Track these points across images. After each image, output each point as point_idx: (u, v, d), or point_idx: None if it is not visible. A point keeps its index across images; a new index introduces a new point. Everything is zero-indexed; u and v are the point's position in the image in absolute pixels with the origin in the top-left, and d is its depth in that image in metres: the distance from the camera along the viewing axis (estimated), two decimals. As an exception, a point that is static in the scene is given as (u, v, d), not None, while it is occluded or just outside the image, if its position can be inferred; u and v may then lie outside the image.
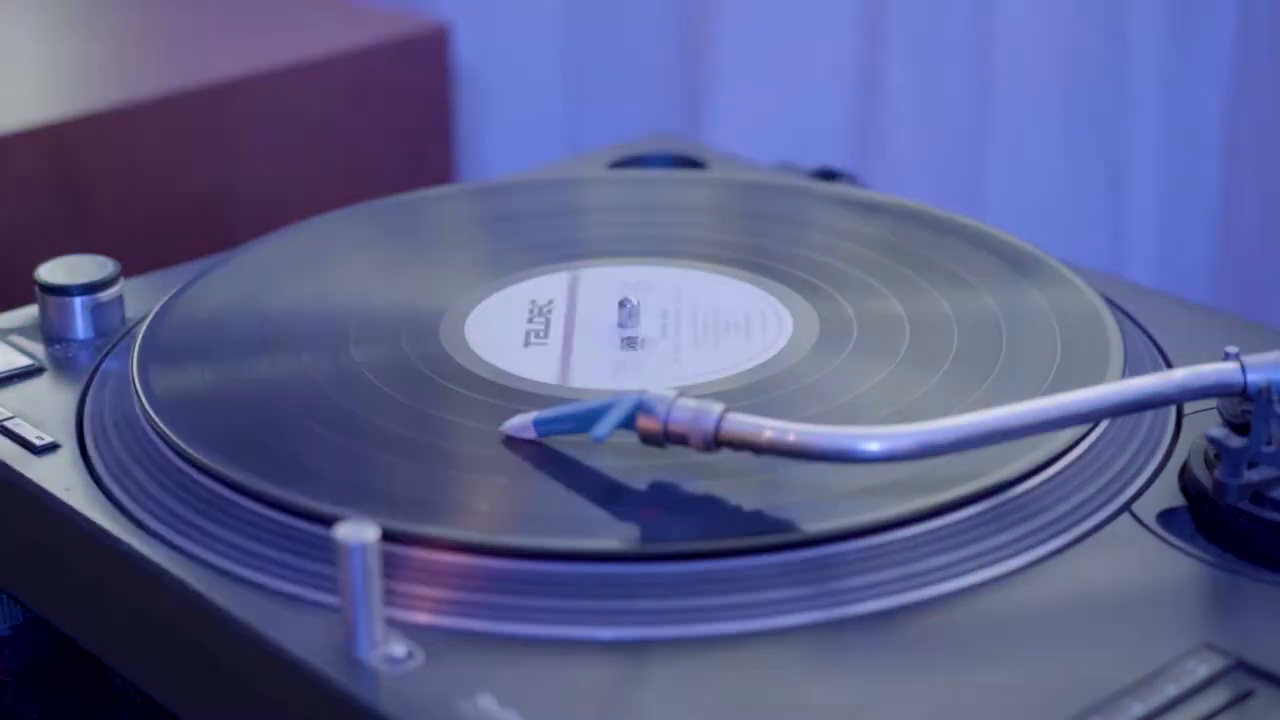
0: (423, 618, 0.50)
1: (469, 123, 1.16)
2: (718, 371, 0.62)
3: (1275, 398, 0.53)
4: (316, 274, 0.71)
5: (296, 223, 0.75)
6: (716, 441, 0.53)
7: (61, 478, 0.58)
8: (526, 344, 0.64)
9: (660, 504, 0.54)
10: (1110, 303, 0.66)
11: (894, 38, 1.00)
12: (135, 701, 0.60)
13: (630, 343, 0.64)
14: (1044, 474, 0.55)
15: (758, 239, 0.74)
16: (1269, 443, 0.53)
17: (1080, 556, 0.53)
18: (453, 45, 1.03)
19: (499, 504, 0.55)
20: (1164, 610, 0.51)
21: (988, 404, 0.54)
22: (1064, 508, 0.55)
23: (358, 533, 0.47)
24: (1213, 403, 0.59)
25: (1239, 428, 0.55)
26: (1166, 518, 0.55)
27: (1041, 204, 0.98)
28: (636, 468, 0.55)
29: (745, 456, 0.54)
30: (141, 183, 0.90)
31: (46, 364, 0.65)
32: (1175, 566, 0.53)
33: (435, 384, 0.61)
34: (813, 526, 0.52)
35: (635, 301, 0.66)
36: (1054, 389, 0.59)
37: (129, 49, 1.00)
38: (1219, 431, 0.53)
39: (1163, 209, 0.95)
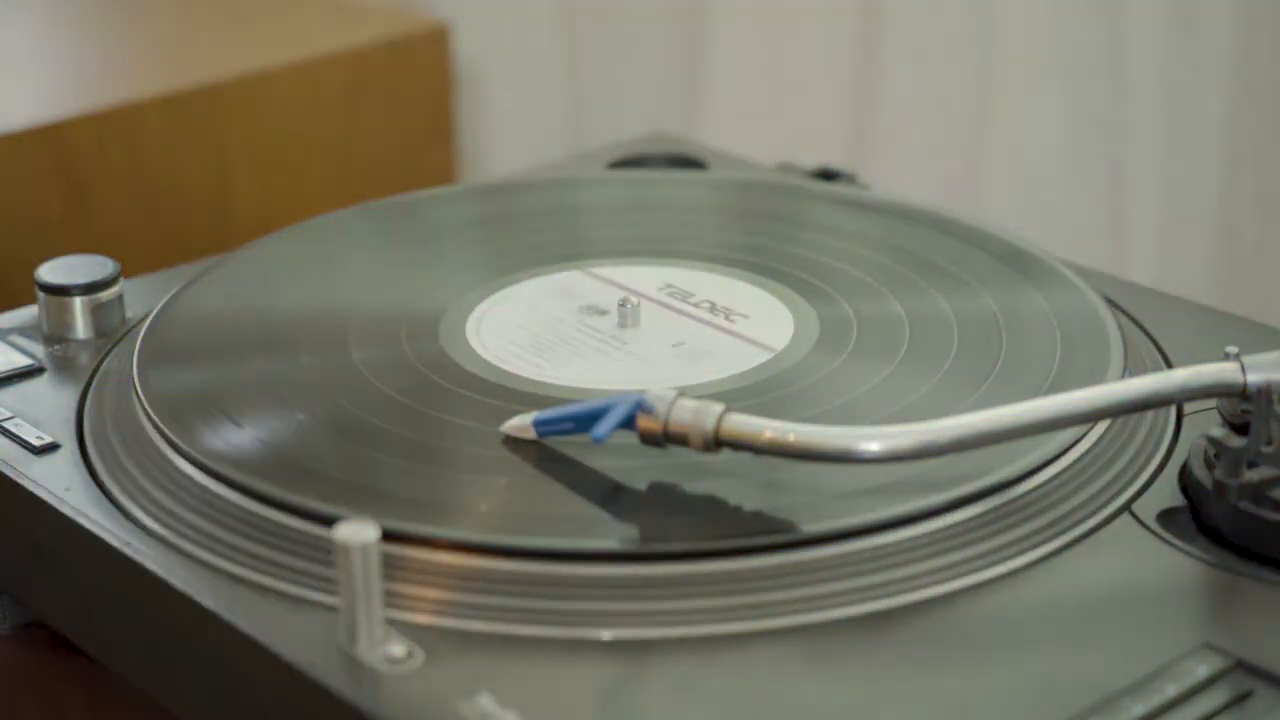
0: (423, 618, 0.50)
1: (469, 123, 1.16)
2: (718, 371, 0.62)
3: (1275, 398, 0.53)
4: (316, 274, 0.71)
5: (296, 223, 0.75)
6: (716, 441, 0.53)
7: (61, 478, 0.58)
8: (526, 344, 0.64)
9: (660, 504, 0.54)
10: (1110, 303, 0.66)
11: (893, 37, 1.00)
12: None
13: (629, 343, 0.64)
14: (1044, 474, 0.55)
15: (758, 239, 0.74)
16: (1269, 443, 0.53)
17: (1080, 556, 0.53)
18: (453, 45, 1.03)
19: (499, 504, 0.55)
20: (1164, 610, 0.51)
21: (988, 404, 0.54)
22: (1064, 508, 0.55)
23: (358, 533, 0.47)
24: (1213, 403, 0.59)
25: (1239, 428, 0.55)
26: (1166, 518, 0.55)
27: (1041, 204, 0.98)
28: (636, 468, 0.55)
29: (745, 456, 0.54)
30: (141, 183, 0.90)
31: (46, 364, 0.65)
32: (1175, 566, 0.53)
33: (435, 384, 0.61)
34: (813, 526, 0.52)
35: (635, 301, 0.66)
36: (1054, 389, 0.59)
37: (129, 49, 1.00)
38: (1219, 431, 0.53)
39: (1163, 208, 0.95)
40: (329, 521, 0.51)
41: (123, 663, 0.57)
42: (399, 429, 0.59)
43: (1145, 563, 0.53)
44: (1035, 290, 0.67)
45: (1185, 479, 0.56)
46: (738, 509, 0.53)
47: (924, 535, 0.53)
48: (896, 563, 0.52)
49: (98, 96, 0.90)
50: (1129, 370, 0.61)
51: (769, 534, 0.52)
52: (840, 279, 0.69)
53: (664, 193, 0.79)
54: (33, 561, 0.59)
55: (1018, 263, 0.69)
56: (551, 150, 1.15)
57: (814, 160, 0.86)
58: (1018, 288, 0.67)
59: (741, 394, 0.60)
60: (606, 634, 0.50)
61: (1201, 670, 0.48)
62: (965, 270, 0.69)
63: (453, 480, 0.56)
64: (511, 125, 1.18)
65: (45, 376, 0.64)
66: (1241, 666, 0.48)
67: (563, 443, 0.57)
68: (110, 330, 0.67)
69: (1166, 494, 0.56)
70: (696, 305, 0.67)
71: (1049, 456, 0.56)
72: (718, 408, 0.53)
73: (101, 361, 0.65)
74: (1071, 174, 0.97)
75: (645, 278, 0.70)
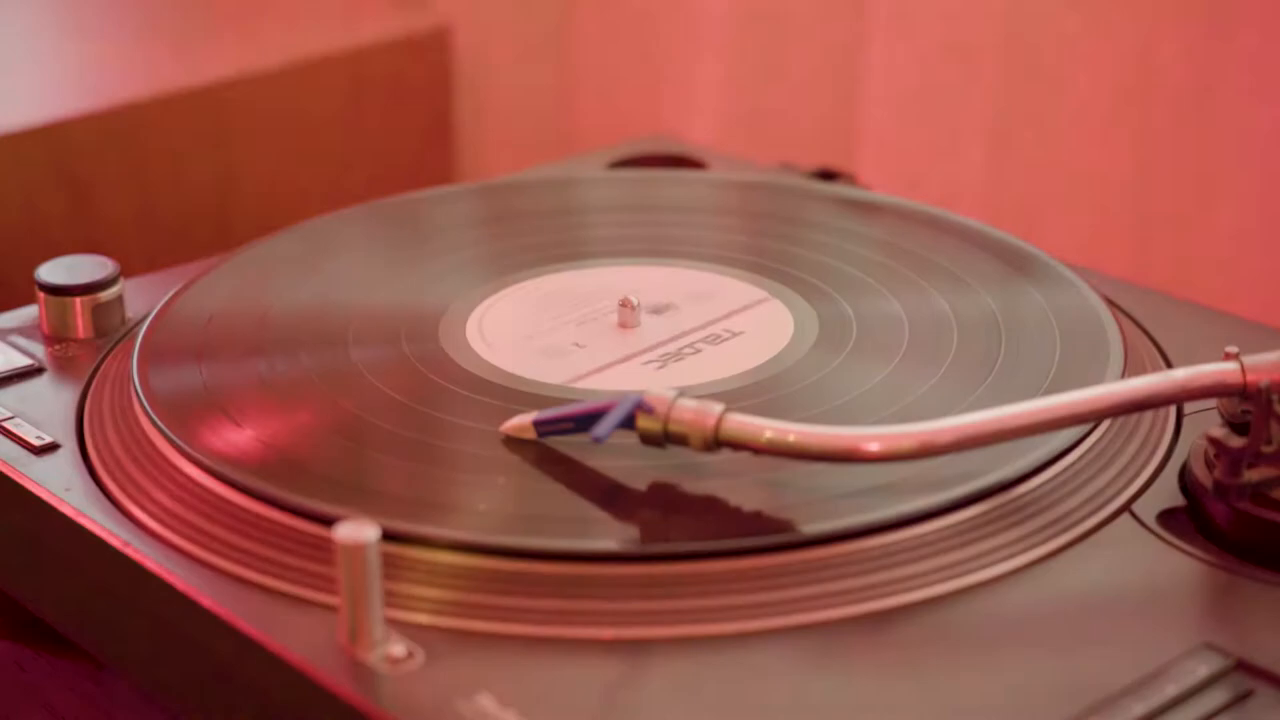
0: (423, 618, 0.50)
1: (469, 123, 1.16)
2: (718, 371, 0.62)
3: (1275, 398, 0.53)
4: (316, 274, 0.71)
5: (296, 223, 0.75)
6: (716, 441, 0.53)
7: (61, 478, 0.58)
8: (526, 344, 0.64)
9: (660, 504, 0.54)
10: (1110, 303, 0.66)
11: (892, 37, 1.00)
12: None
13: (630, 343, 0.64)
14: (1044, 474, 0.55)
15: (758, 239, 0.74)
16: (1269, 443, 0.53)
17: (1080, 556, 0.53)
18: (453, 45, 1.03)
19: (499, 504, 0.55)
20: (1164, 610, 0.51)
21: (988, 404, 0.54)
22: (1064, 508, 0.55)
23: (358, 533, 0.47)
24: (1213, 403, 0.59)
25: (1239, 428, 0.55)
26: (1166, 518, 0.55)
27: (1042, 204, 0.98)
28: (636, 468, 0.55)
29: (745, 456, 0.54)
30: (142, 183, 0.90)
31: (46, 364, 0.65)
32: (1175, 566, 0.53)
33: (435, 384, 0.61)
34: (813, 526, 0.52)
35: (635, 301, 0.66)
36: (1054, 389, 0.59)
37: (129, 49, 1.00)
38: (1219, 431, 0.53)
39: (1165, 208, 0.95)
40: (329, 521, 0.51)
41: (123, 663, 0.57)
42: (399, 429, 0.59)
43: (1145, 563, 0.53)
44: (1035, 290, 0.67)
45: (1185, 479, 0.56)
46: (738, 509, 0.53)
47: (924, 535, 0.53)
48: (896, 563, 0.52)
49: (98, 96, 0.90)
50: (1129, 370, 0.61)
51: (769, 534, 0.52)
52: (840, 279, 0.69)
53: (664, 193, 0.79)
54: (33, 561, 0.59)
55: (1018, 263, 0.69)
56: (551, 150, 1.15)
57: (813, 160, 0.86)
58: (1018, 288, 0.67)
59: (741, 394, 0.60)
60: (606, 634, 0.50)
61: (1201, 670, 0.48)
62: (965, 270, 0.69)
63: (453, 480, 0.56)
64: (511, 125, 1.18)
65: (45, 376, 0.64)
66: (1241, 666, 0.48)
67: (563, 443, 0.57)
68: (110, 330, 0.67)
69: (1166, 494, 0.56)
70: (696, 305, 0.67)
71: (1049, 456, 0.56)
72: (718, 408, 0.53)
73: (101, 361, 0.65)
74: (1072, 174, 0.97)
75: (645, 278, 0.70)
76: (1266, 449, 0.53)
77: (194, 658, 0.53)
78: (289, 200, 0.96)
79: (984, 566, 0.52)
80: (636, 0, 1.12)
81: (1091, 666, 0.48)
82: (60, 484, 0.57)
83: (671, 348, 0.64)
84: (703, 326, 0.65)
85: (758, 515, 0.53)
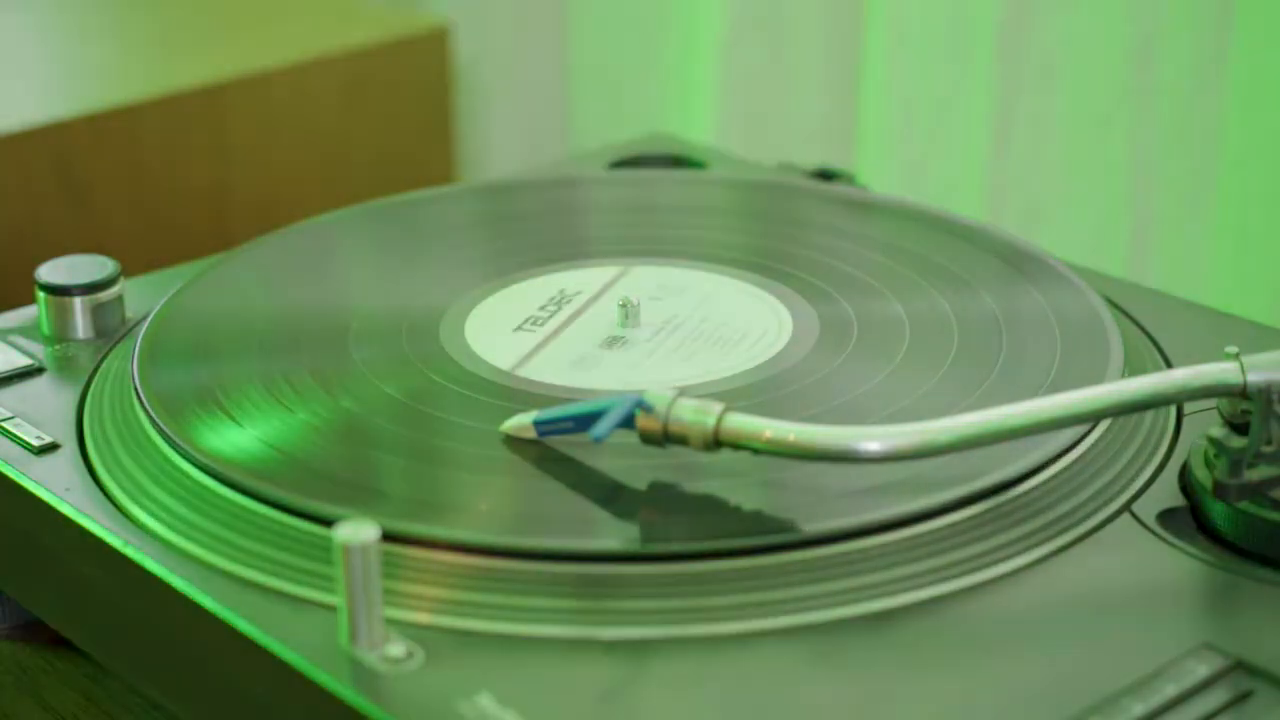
0: (423, 618, 0.50)
1: (469, 123, 1.16)
2: (718, 371, 0.62)
3: (1275, 398, 0.53)
4: (316, 274, 0.70)
5: (296, 223, 0.75)
6: (716, 441, 0.53)
7: (61, 478, 0.58)
8: (526, 344, 0.64)
9: (660, 504, 0.54)
10: (1110, 303, 0.66)
11: (893, 36, 1.00)
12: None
13: (630, 343, 0.64)
14: (1044, 474, 0.55)
15: (758, 239, 0.74)
16: (1269, 443, 0.53)
17: (1080, 556, 0.53)
18: (453, 45, 1.03)
19: (499, 504, 0.55)
20: (1164, 610, 0.51)
21: (988, 404, 0.54)
22: (1064, 508, 0.55)
23: (358, 533, 0.47)
24: (1213, 403, 0.59)
25: (1239, 428, 0.55)
26: (1166, 518, 0.55)
27: (1042, 204, 0.98)
28: (636, 468, 0.55)
29: (745, 456, 0.54)
30: (141, 183, 0.90)
31: (46, 364, 0.65)
32: (1175, 566, 0.53)
33: (435, 384, 0.61)
34: (813, 526, 0.52)
35: (635, 302, 0.66)
36: (1054, 389, 0.59)
37: (128, 49, 1.00)
38: (1219, 431, 0.53)
39: (1165, 208, 0.95)
40: (329, 521, 0.51)
41: (123, 663, 0.57)
42: (399, 429, 0.59)
43: (1145, 563, 0.53)
44: (1035, 290, 0.67)
45: (1185, 479, 0.56)
46: (738, 509, 0.53)
47: (924, 535, 0.53)
48: (896, 563, 0.52)
49: (97, 97, 0.90)
50: (1129, 370, 0.61)
51: (769, 534, 0.52)
52: (840, 279, 0.69)
53: (664, 193, 0.79)
54: (33, 561, 0.59)
55: (1018, 263, 0.69)
56: (551, 150, 1.15)
57: (814, 160, 0.86)
58: (1018, 288, 0.67)
59: (741, 394, 0.60)
60: (606, 634, 0.50)
61: (1201, 670, 0.48)
62: (965, 270, 0.69)
63: (453, 480, 0.56)
64: (511, 125, 1.18)
65: (45, 376, 0.64)
66: (1241, 666, 0.48)
67: (563, 443, 0.57)
68: (110, 330, 0.67)
69: (1166, 494, 0.56)
70: (696, 305, 0.67)
71: (1049, 456, 0.56)
72: (718, 407, 0.53)
73: (101, 361, 0.65)
74: (1072, 173, 0.97)
75: (645, 278, 0.70)
76: (1266, 449, 0.53)
77: (194, 658, 0.53)
78: (288, 200, 0.96)
79: (984, 566, 0.52)
80: (636, 0, 1.12)
81: (1091, 666, 0.48)
82: (60, 484, 0.57)
83: (671, 347, 0.64)
84: (702, 326, 0.65)
85: (758, 515, 0.53)
